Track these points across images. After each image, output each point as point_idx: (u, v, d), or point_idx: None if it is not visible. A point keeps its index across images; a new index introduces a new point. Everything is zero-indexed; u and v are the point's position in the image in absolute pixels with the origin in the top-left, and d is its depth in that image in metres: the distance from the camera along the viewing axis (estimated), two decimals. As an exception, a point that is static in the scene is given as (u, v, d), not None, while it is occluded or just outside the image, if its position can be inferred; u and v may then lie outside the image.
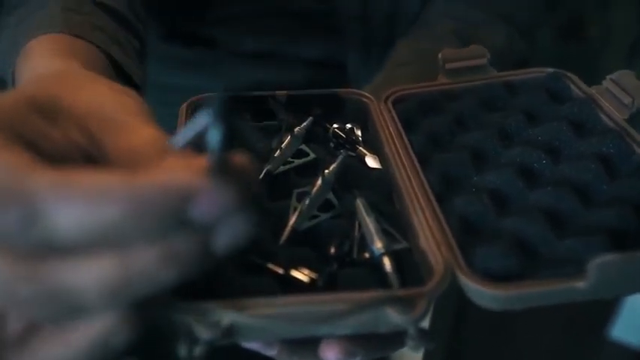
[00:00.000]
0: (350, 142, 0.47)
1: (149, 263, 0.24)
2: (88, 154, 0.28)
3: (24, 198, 0.23)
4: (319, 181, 0.41)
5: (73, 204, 0.23)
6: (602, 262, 0.31)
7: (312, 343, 0.35)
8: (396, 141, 0.45)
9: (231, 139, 0.24)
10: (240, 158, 0.25)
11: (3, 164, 0.24)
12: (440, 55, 0.52)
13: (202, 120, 0.25)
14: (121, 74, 0.45)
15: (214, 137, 0.24)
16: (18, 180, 0.23)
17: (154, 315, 0.27)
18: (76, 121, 0.29)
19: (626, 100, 0.45)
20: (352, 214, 0.40)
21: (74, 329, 0.25)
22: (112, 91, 0.32)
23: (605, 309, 1.15)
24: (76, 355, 0.25)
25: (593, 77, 0.50)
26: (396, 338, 0.34)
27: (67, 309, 0.24)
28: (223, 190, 0.24)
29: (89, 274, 0.23)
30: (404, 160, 0.43)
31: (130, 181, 0.23)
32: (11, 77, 0.43)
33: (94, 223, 0.23)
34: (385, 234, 0.38)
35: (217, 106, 0.23)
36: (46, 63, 0.39)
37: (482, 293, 0.33)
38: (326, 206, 0.41)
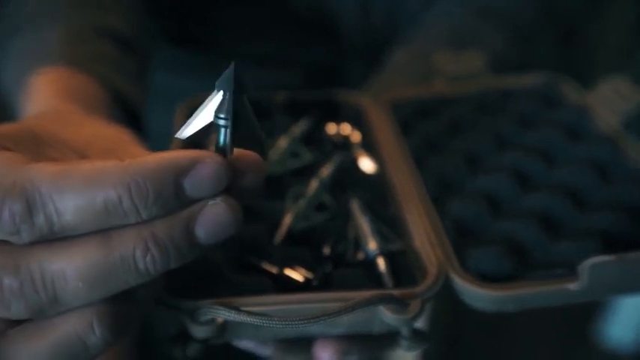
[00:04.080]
0: (346, 144, 0.48)
1: (132, 248, 0.24)
2: None
3: (25, 188, 0.23)
4: (315, 182, 0.41)
5: (71, 189, 0.24)
6: (593, 264, 0.31)
7: (306, 343, 0.35)
8: (393, 144, 0.45)
9: (240, 116, 0.25)
10: (252, 154, 0.27)
11: (2, 160, 0.25)
12: (436, 60, 0.53)
13: (214, 95, 0.25)
14: (120, 102, 0.46)
15: (226, 105, 0.25)
16: (18, 173, 0.24)
17: (135, 315, 0.27)
18: (75, 151, 0.29)
19: (621, 105, 0.46)
20: (347, 215, 0.40)
21: (53, 324, 0.25)
22: (109, 127, 0.34)
23: (601, 313, 1.15)
24: (53, 352, 0.25)
25: (588, 81, 0.50)
26: (390, 338, 0.35)
27: (48, 298, 0.24)
28: (219, 163, 0.25)
29: (71, 259, 0.24)
30: (400, 162, 0.43)
31: (125, 164, 0.24)
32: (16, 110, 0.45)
33: (92, 206, 0.24)
34: (380, 235, 0.38)
35: (230, 74, 0.25)
36: (47, 104, 0.40)
37: (475, 294, 0.33)
38: (321, 207, 0.41)
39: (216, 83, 0.26)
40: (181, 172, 0.24)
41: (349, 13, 0.66)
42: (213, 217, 0.25)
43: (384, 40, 0.67)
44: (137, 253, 0.24)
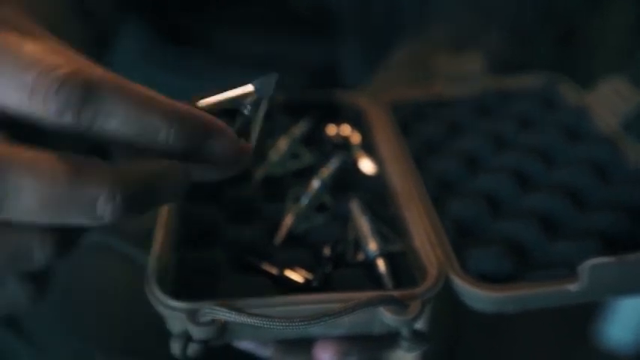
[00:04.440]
0: (346, 145, 0.48)
1: (100, 187, 0.24)
2: None
3: (89, 79, 0.24)
4: (315, 183, 0.41)
5: (129, 99, 0.24)
6: (593, 265, 0.31)
7: (306, 344, 0.35)
8: (393, 144, 0.45)
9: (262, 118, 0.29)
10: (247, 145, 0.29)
11: (64, 46, 0.25)
12: (436, 60, 0.53)
13: (246, 89, 0.28)
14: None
15: (259, 107, 0.29)
16: (83, 62, 0.24)
17: (79, 241, 0.27)
18: None
19: (620, 106, 0.46)
20: (347, 216, 0.40)
21: None
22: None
23: (601, 314, 1.15)
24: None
25: (588, 82, 0.51)
26: (390, 339, 0.35)
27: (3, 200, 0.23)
28: (238, 141, 0.28)
29: (39, 174, 0.23)
30: (400, 163, 0.43)
31: (174, 102, 0.26)
32: None
33: (138, 123, 0.24)
34: (380, 236, 0.38)
35: (273, 82, 0.28)
36: None
37: (474, 295, 0.33)
38: (321, 208, 0.41)
39: (254, 82, 0.28)
40: (213, 132, 0.26)
41: (349, 14, 0.66)
42: (177, 178, 0.26)
43: (383, 40, 0.67)
44: (102, 197, 0.24)
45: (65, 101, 0.23)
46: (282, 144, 0.45)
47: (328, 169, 0.43)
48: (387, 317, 0.32)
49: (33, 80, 0.23)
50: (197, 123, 0.26)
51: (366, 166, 0.46)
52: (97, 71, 0.24)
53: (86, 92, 0.23)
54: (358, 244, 0.38)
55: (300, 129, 0.47)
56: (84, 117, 0.24)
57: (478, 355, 1.12)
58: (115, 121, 0.24)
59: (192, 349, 0.32)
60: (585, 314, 1.16)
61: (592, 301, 0.33)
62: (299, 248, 0.38)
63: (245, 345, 0.36)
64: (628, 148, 0.44)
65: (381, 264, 0.36)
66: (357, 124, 0.49)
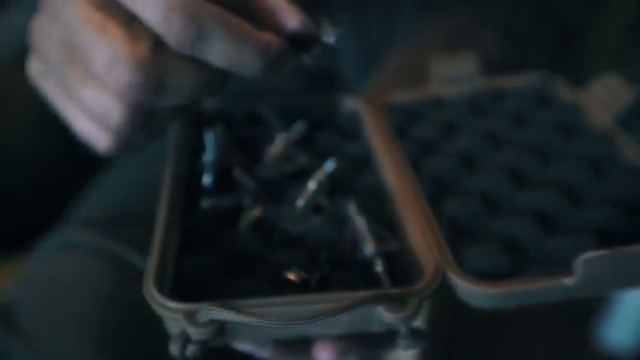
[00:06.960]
0: (342, 146, 0.48)
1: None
2: None
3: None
4: (311, 185, 0.41)
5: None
6: (588, 259, 0.32)
7: (305, 344, 0.35)
8: (389, 145, 0.45)
9: None
10: None
11: None
12: (431, 62, 0.53)
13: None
14: None
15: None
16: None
17: None
18: None
19: (613, 102, 0.46)
20: (344, 217, 0.40)
21: None
22: None
23: (600, 316, 1.15)
24: None
25: (582, 80, 0.51)
26: (388, 338, 0.35)
27: None
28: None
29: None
30: (396, 163, 0.44)
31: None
32: None
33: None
34: (376, 236, 0.38)
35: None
36: None
37: (471, 291, 0.34)
38: (318, 209, 0.41)
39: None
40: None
41: (345, 16, 0.66)
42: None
43: (379, 43, 0.67)
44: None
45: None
46: (278, 147, 0.46)
47: (324, 171, 0.43)
48: (385, 315, 0.32)
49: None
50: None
51: (362, 167, 0.45)
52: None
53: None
54: (355, 245, 0.38)
55: (295, 132, 0.47)
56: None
57: (475, 357, 1.11)
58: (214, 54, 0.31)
59: (191, 350, 0.32)
60: (585, 316, 1.16)
61: (589, 296, 0.33)
62: (296, 249, 0.38)
63: (244, 347, 0.36)
64: (622, 144, 0.44)
65: (378, 264, 0.36)
66: (353, 126, 0.50)
